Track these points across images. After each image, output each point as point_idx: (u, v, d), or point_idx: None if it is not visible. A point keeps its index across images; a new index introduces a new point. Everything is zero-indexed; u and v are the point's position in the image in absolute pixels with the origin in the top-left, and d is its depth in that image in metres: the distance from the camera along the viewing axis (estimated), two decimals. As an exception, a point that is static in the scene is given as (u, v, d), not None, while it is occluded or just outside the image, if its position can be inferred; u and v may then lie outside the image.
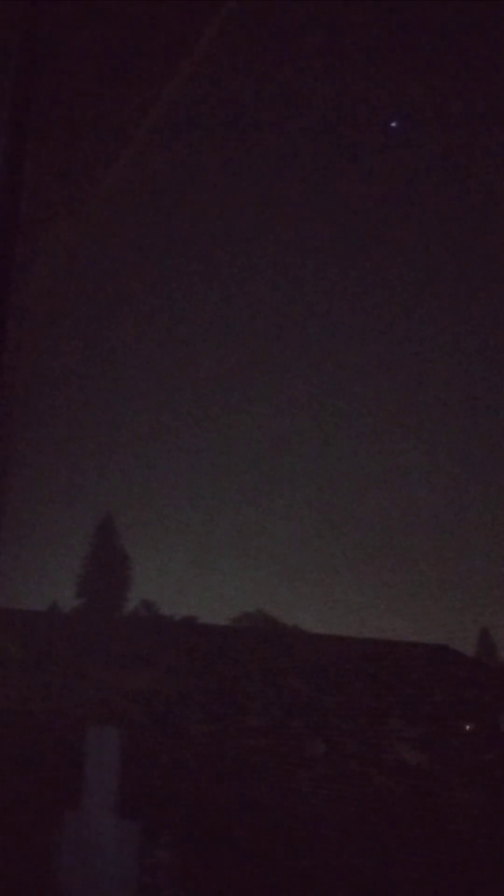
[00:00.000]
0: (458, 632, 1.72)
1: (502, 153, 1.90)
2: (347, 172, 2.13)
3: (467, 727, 1.62)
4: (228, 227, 2.30)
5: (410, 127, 2.13)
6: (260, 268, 2.26)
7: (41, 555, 2.50)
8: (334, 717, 1.81)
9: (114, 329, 2.60)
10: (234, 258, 2.31)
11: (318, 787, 1.75)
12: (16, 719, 2.32)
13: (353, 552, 1.96)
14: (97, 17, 2.41)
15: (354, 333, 2.02)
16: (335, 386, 2.11)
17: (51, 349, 2.62)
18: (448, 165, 1.99)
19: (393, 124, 2.22)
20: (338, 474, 2.06)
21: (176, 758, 2.00)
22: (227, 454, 2.25)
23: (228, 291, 2.35)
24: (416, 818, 1.61)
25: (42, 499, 2.50)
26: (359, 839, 1.67)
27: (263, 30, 2.30)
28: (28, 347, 2.41)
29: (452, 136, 1.99)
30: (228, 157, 2.34)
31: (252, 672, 2.06)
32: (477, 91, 1.95)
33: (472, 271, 1.90)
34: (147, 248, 2.47)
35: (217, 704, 2.06)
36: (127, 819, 2.04)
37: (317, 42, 2.26)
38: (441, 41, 2.03)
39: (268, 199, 2.24)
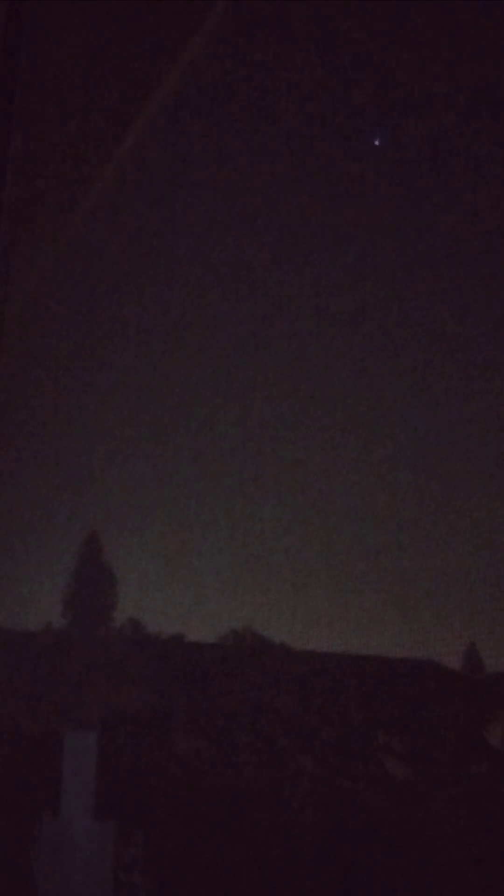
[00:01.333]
0: (444, 647, 1.72)
1: (490, 167, 1.90)
2: (341, 179, 2.14)
3: (455, 741, 1.62)
4: (221, 230, 2.31)
5: (394, 143, 2.15)
6: (248, 281, 2.27)
7: (25, 572, 2.49)
8: (322, 732, 1.80)
9: (98, 346, 2.60)
10: (227, 268, 2.31)
11: (305, 801, 1.74)
12: None
13: (341, 569, 1.96)
14: (89, 11, 2.42)
15: (349, 346, 2.03)
16: (322, 402, 2.11)
17: (33, 366, 2.62)
18: (435, 178, 2.00)
19: (376, 142, 2.23)
20: (326, 492, 2.06)
21: (160, 772, 2.00)
22: (215, 471, 2.25)
23: (216, 306, 2.35)
24: (404, 832, 1.61)
25: (26, 516, 2.50)
26: (346, 853, 1.66)
27: (254, 39, 2.32)
28: (10, 364, 2.41)
29: (438, 150, 2.00)
30: (220, 157, 2.35)
31: (239, 688, 2.05)
32: (465, 104, 1.96)
33: (458, 283, 1.90)
34: (135, 256, 2.48)
35: (204, 721, 2.06)
36: (102, 820, 2.05)
37: (306, 49, 2.27)
38: (429, 55, 2.04)
39: (261, 198, 2.25)
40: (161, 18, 2.41)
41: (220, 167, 2.39)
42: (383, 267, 2.05)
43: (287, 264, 2.22)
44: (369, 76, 2.17)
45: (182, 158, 2.45)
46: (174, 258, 2.40)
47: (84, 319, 2.63)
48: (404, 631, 1.80)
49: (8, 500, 2.49)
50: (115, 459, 2.46)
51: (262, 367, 2.23)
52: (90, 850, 2.04)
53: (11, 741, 2.28)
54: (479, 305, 1.87)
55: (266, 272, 2.25)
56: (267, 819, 1.76)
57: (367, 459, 2.01)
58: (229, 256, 2.33)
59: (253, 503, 2.15)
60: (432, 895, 1.49)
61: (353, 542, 1.99)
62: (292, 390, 2.17)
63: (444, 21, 2.00)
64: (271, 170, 2.29)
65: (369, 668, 1.79)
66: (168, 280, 2.41)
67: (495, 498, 1.82)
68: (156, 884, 1.89)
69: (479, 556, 1.80)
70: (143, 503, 2.35)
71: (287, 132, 2.27)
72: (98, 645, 2.39)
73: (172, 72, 2.42)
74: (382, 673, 1.76)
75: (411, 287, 1.98)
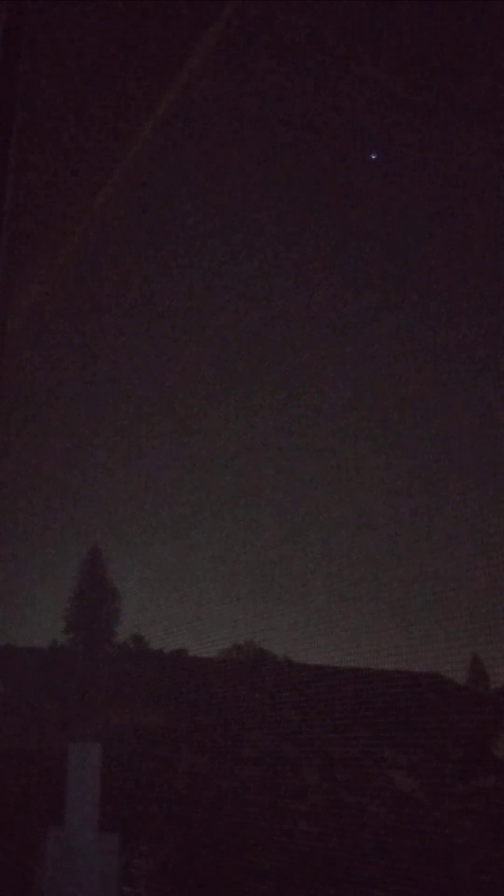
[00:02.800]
0: (448, 660, 1.72)
1: (489, 180, 1.91)
2: (339, 192, 2.14)
3: (460, 754, 1.62)
4: (219, 245, 2.32)
5: (391, 158, 2.15)
6: (247, 296, 2.27)
7: (28, 588, 2.49)
8: (327, 745, 1.80)
9: (98, 362, 2.61)
10: (226, 281, 2.32)
11: (311, 816, 1.74)
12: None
13: (343, 581, 1.96)
14: (88, 23, 2.43)
15: (346, 356, 2.03)
16: (318, 413, 2.11)
17: (33, 384, 2.62)
18: (432, 191, 2.01)
19: (373, 156, 2.24)
20: (326, 504, 2.07)
21: (166, 786, 1.99)
22: (214, 485, 2.25)
23: (215, 320, 2.36)
24: (410, 845, 1.61)
25: (28, 533, 2.50)
26: (351, 866, 1.66)
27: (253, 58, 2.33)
28: (10, 381, 2.42)
29: (433, 166, 2.01)
30: (217, 172, 2.36)
31: (243, 703, 2.05)
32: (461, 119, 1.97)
33: (458, 294, 1.91)
34: (136, 272, 2.49)
35: (207, 735, 2.05)
36: (107, 831, 2.05)
37: (302, 63, 2.28)
38: (426, 68, 2.05)
39: (258, 210, 2.25)
40: (158, 37, 2.42)
41: (216, 182, 2.40)
42: (382, 278, 2.05)
43: (285, 278, 2.22)
44: (365, 89, 2.18)
45: (180, 171, 2.46)
46: (173, 272, 2.41)
47: (85, 337, 2.63)
48: (406, 643, 1.80)
49: (10, 517, 2.49)
50: (116, 475, 2.46)
51: (259, 377, 2.24)
52: (95, 861, 2.04)
53: (16, 754, 2.28)
54: (478, 316, 1.87)
55: (264, 286, 2.26)
56: (272, 833, 1.75)
57: (366, 470, 2.01)
58: (227, 270, 2.34)
59: (252, 516, 2.16)
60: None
61: (354, 553, 2.00)
62: (289, 401, 2.18)
63: (443, 34, 2.01)
64: (268, 183, 2.30)
65: (372, 680, 1.79)
66: (169, 295, 2.42)
67: (496, 507, 1.82)
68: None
69: (480, 568, 1.80)
70: (142, 518, 2.35)
71: (283, 145, 2.28)
72: (101, 660, 2.39)
73: (170, 87, 2.44)
74: (385, 686, 1.76)
75: (409, 298, 1.99)
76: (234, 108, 2.37)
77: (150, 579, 2.29)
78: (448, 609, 1.79)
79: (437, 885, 1.53)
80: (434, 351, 1.90)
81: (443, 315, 1.91)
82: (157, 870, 1.85)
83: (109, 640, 2.40)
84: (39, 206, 2.48)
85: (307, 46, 2.26)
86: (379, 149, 2.20)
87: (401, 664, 1.77)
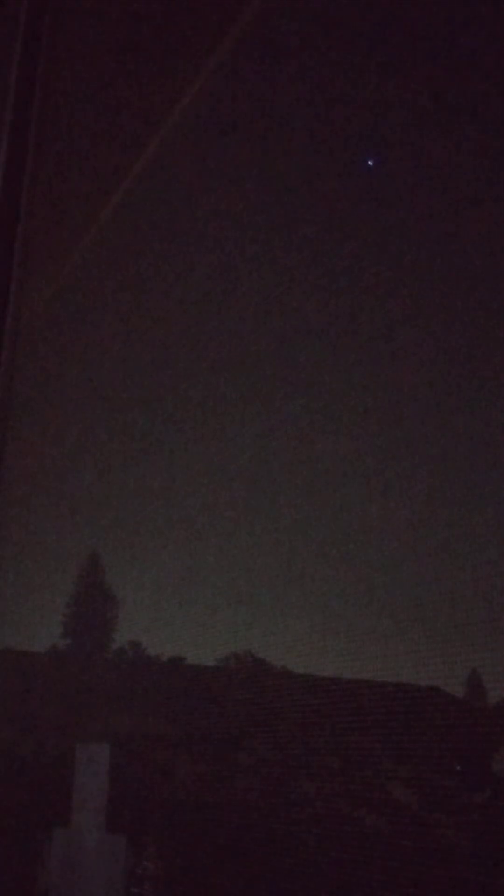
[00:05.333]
0: (447, 674, 1.73)
1: (482, 189, 1.92)
2: (339, 198, 2.15)
3: (459, 768, 1.63)
4: (221, 251, 2.32)
5: (387, 164, 2.16)
6: (251, 304, 2.28)
7: (28, 593, 2.49)
8: (325, 757, 1.81)
9: (98, 367, 2.61)
10: (228, 289, 2.33)
11: (309, 827, 1.76)
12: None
13: (345, 595, 1.97)
14: (100, 36, 2.44)
15: (349, 366, 2.04)
16: (330, 421, 2.12)
17: (34, 388, 2.62)
18: (432, 199, 2.02)
19: (370, 162, 2.24)
20: (328, 514, 2.07)
21: (165, 792, 2.00)
22: (216, 492, 2.26)
23: (219, 328, 2.37)
24: (408, 858, 1.62)
25: (28, 537, 2.50)
26: (349, 878, 1.67)
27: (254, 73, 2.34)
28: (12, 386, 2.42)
29: (431, 173, 2.01)
30: (218, 180, 2.36)
31: (240, 712, 2.06)
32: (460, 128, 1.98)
33: (461, 302, 1.92)
34: (136, 279, 2.49)
35: (206, 743, 2.06)
36: (115, 833, 2.05)
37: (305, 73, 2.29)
38: (425, 76, 2.06)
39: (260, 215, 2.26)
40: (165, 47, 2.44)
41: (218, 190, 2.41)
42: (384, 283, 2.06)
43: (287, 286, 2.23)
44: (365, 97, 2.19)
45: (184, 176, 2.46)
46: (176, 277, 2.42)
47: (85, 343, 2.64)
48: (405, 657, 1.81)
49: (10, 523, 2.49)
50: (117, 481, 2.47)
51: (262, 386, 2.24)
52: (102, 862, 2.04)
53: (13, 757, 2.28)
54: (481, 323, 1.88)
55: (265, 290, 2.26)
56: (271, 841, 1.77)
57: (369, 479, 2.02)
58: (229, 274, 2.34)
59: (255, 525, 2.17)
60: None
61: (356, 564, 2.00)
62: (293, 410, 2.19)
63: (443, 40, 2.02)
64: (269, 190, 2.30)
65: (371, 693, 1.80)
66: (172, 299, 2.42)
67: (497, 521, 1.82)
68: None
69: (482, 585, 1.81)
70: (143, 524, 2.36)
71: (284, 151, 2.29)
72: (99, 666, 2.40)
73: (178, 93, 2.45)
74: (384, 698, 1.78)
75: (412, 302, 2.00)
76: (234, 117, 2.38)
77: (148, 585, 2.30)
78: (448, 623, 1.80)
79: (433, 897, 1.54)
80: (437, 356, 1.90)
81: (452, 322, 1.92)
82: (166, 873, 1.86)
83: (106, 646, 2.41)
84: (54, 204, 2.49)
85: (306, 54, 2.27)
86: (376, 156, 2.21)
87: (401, 676, 1.78)
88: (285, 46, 2.31)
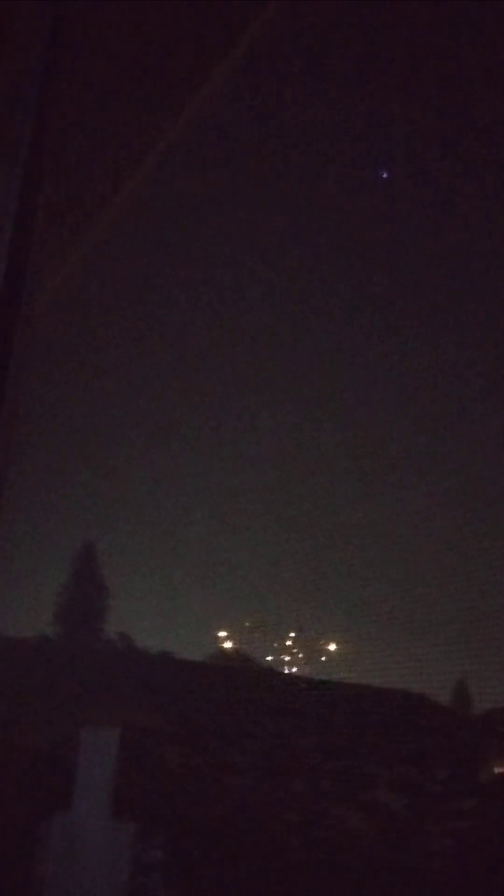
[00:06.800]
0: (437, 681, 1.75)
1: (491, 201, 1.93)
2: (349, 209, 2.16)
3: (444, 775, 1.66)
4: (229, 258, 2.33)
5: (400, 176, 2.17)
6: (252, 311, 2.29)
7: (22, 580, 2.50)
8: (311, 758, 1.84)
9: (95, 357, 2.62)
10: (232, 294, 2.34)
11: (296, 826, 1.78)
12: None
13: (335, 596, 1.99)
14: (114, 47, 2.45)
15: (350, 378, 2.05)
16: (316, 421, 2.13)
17: (30, 377, 2.63)
18: (440, 213, 2.03)
19: (384, 175, 2.25)
20: (322, 516, 2.09)
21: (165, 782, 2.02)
22: (214, 489, 2.27)
23: (220, 326, 2.37)
24: (389, 862, 1.65)
25: (21, 527, 2.51)
26: (330, 880, 1.70)
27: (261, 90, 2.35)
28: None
29: (443, 185, 2.02)
30: (228, 190, 2.37)
31: (227, 709, 2.08)
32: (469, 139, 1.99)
33: (466, 316, 1.93)
34: (140, 278, 2.50)
35: (193, 740, 2.08)
36: (121, 820, 2.04)
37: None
38: (434, 90, 2.07)
39: (268, 228, 2.27)
40: (173, 53, 2.45)
41: (227, 200, 2.42)
42: (389, 297, 2.07)
43: (292, 295, 2.24)
44: (377, 108, 2.20)
45: (189, 197, 2.48)
46: (177, 284, 2.43)
47: (82, 333, 2.65)
48: (396, 664, 1.83)
49: (5, 509, 2.50)
50: (115, 472, 2.48)
51: (262, 385, 2.25)
52: (106, 850, 2.04)
53: (9, 745, 2.30)
54: (484, 337, 1.89)
55: (270, 303, 2.27)
56: (260, 838, 1.79)
57: (358, 481, 2.03)
58: (233, 282, 2.36)
59: (249, 522, 2.18)
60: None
61: (346, 566, 2.02)
62: (289, 409, 2.19)
63: (453, 53, 2.03)
64: (279, 200, 2.31)
65: (361, 697, 1.82)
66: (173, 303, 2.44)
67: (488, 533, 1.84)
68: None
69: (469, 593, 1.83)
70: (140, 517, 2.38)
71: (295, 163, 2.30)
72: (87, 656, 2.41)
73: (187, 100, 2.46)
74: (375, 704, 1.80)
75: (417, 317, 2.01)
76: (244, 124, 2.39)
77: (143, 579, 2.32)
78: (438, 632, 1.82)
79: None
80: (446, 374, 1.91)
81: (455, 334, 1.93)
82: (175, 862, 1.88)
83: (96, 636, 2.43)
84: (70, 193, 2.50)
85: (316, 65, 2.28)
86: (389, 167, 2.22)
87: (390, 682, 1.80)
88: (296, 53, 2.32)
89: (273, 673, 2.03)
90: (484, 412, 1.85)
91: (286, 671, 2.01)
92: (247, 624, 2.12)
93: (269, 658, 2.06)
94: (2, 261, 2.09)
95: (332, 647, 1.94)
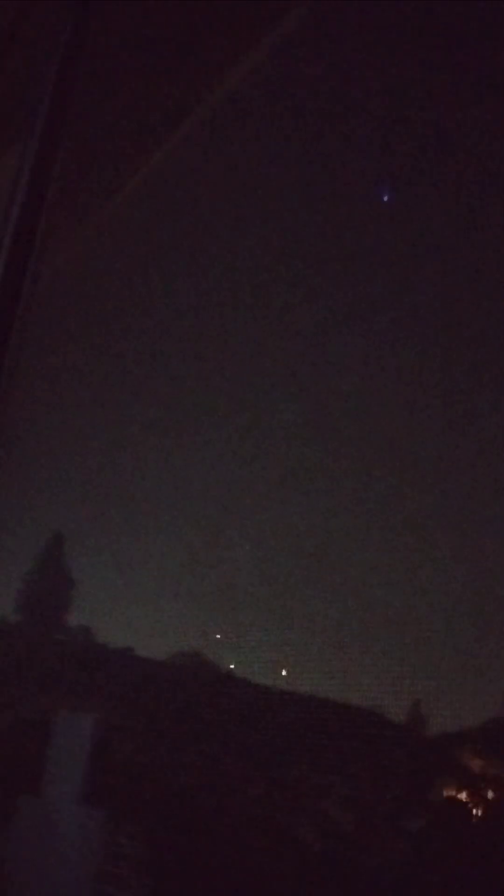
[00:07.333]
0: (392, 702, 1.76)
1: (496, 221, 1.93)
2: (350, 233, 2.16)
3: (395, 793, 1.67)
4: (229, 271, 2.33)
5: (402, 199, 2.18)
6: (250, 319, 2.29)
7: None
8: (264, 765, 1.85)
9: (72, 348, 2.61)
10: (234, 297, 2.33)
11: (247, 830, 1.79)
12: None
13: (295, 613, 1.99)
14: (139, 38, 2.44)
15: (353, 387, 2.05)
16: (307, 426, 2.12)
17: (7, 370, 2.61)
18: (442, 236, 2.03)
19: (385, 197, 2.26)
20: (290, 530, 2.09)
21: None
22: (189, 490, 2.27)
23: (216, 326, 2.37)
24: (332, 876, 1.66)
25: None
26: (274, 888, 1.71)
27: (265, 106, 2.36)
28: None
29: (445, 207, 2.03)
30: (232, 215, 2.37)
31: (183, 710, 2.09)
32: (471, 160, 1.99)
33: (466, 338, 1.92)
34: (138, 278, 2.50)
35: (145, 737, 2.09)
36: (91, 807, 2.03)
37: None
38: (436, 111, 2.08)
39: (271, 249, 2.27)
40: (188, 47, 2.45)
41: (230, 200, 2.42)
42: (391, 310, 2.06)
43: (295, 313, 2.23)
44: (379, 131, 2.20)
45: (195, 195, 2.47)
46: (177, 289, 2.43)
47: (59, 321, 2.64)
48: (351, 676, 1.84)
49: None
50: (89, 466, 2.47)
51: (257, 389, 2.24)
52: (75, 837, 2.02)
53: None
54: (487, 359, 1.88)
55: (270, 294, 2.26)
56: (201, 840, 1.80)
57: (326, 487, 2.03)
58: (233, 283, 2.35)
59: (222, 529, 2.18)
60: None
61: (309, 584, 2.02)
62: (282, 410, 2.18)
63: (457, 74, 2.03)
64: (280, 224, 2.30)
65: (320, 707, 1.83)
66: (174, 307, 2.43)
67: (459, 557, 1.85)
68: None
69: (429, 614, 1.83)
70: (111, 513, 2.37)
71: (297, 186, 2.30)
72: (46, 645, 2.41)
73: (186, 118, 2.48)
74: (333, 715, 1.81)
75: (420, 331, 2.00)
76: (248, 148, 2.39)
77: (108, 574, 2.31)
78: (393, 651, 1.83)
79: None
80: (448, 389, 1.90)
81: (458, 355, 1.92)
82: (147, 852, 1.87)
83: (58, 626, 2.43)
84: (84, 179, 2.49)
85: (324, 84, 2.29)
86: (391, 189, 2.23)
87: (346, 697, 1.81)
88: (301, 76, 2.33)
89: (231, 678, 2.04)
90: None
91: (244, 678, 2.02)
92: (208, 628, 2.12)
93: (228, 663, 2.07)
94: (7, 239, 2.09)
95: (292, 657, 1.94)
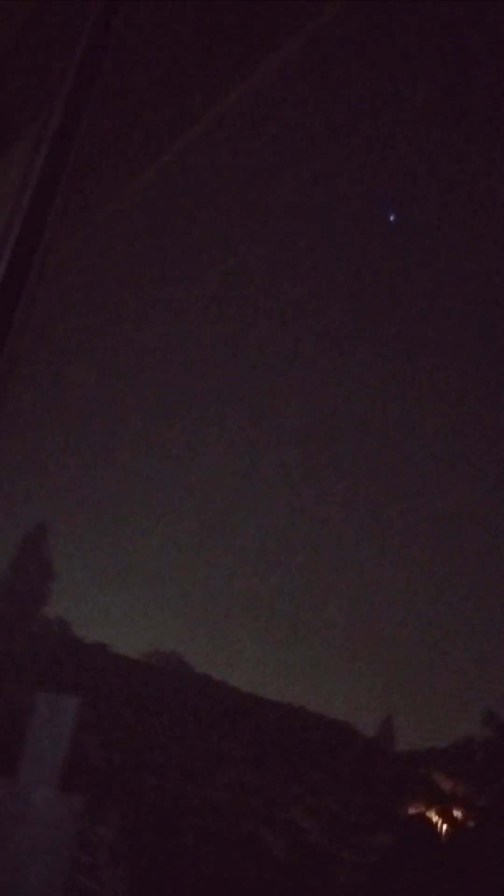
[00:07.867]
0: (365, 714, 1.77)
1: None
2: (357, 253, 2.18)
3: (361, 805, 1.68)
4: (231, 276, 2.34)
5: (409, 219, 2.19)
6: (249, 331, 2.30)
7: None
8: (233, 770, 1.86)
9: (60, 337, 2.62)
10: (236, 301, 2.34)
11: (212, 835, 1.80)
12: None
13: (279, 618, 2.00)
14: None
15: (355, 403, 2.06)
16: (300, 435, 2.13)
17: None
18: (448, 258, 2.04)
19: (391, 217, 2.28)
20: (275, 535, 2.10)
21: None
22: (173, 482, 2.27)
23: (213, 330, 2.38)
24: (294, 887, 1.67)
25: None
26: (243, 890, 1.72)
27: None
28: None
29: (452, 228, 2.04)
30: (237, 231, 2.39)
31: (154, 710, 2.09)
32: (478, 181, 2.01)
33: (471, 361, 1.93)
34: (136, 279, 2.51)
35: (114, 735, 2.09)
36: (67, 792, 2.03)
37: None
38: (442, 130, 2.10)
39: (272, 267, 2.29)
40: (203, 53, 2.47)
41: (236, 199, 2.43)
42: (394, 324, 2.07)
43: (292, 297, 2.23)
44: (384, 150, 2.22)
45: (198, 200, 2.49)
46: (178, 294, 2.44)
47: (59, 319, 2.64)
48: (324, 689, 1.85)
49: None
50: (72, 455, 2.48)
51: (257, 390, 2.24)
52: (48, 822, 2.02)
53: None
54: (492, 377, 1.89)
55: (271, 294, 2.27)
56: (167, 843, 1.80)
57: (313, 488, 2.04)
58: (234, 284, 2.36)
59: (208, 530, 2.18)
60: None
61: (292, 593, 2.03)
62: (282, 413, 2.18)
63: (463, 95, 2.05)
64: (283, 245, 2.32)
65: (294, 714, 1.84)
66: (173, 310, 2.44)
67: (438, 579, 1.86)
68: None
69: (402, 629, 1.85)
70: (96, 505, 2.38)
71: (300, 203, 2.32)
72: (20, 636, 2.41)
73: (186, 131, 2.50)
74: (306, 723, 1.82)
75: (423, 336, 2.01)
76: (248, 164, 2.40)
77: (89, 567, 2.32)
78: (368, 664, 1.85)
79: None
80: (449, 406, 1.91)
81: (463, 376, 1.93)
82: (121, 841, 1.88)
83: (34, 617, 2.43)
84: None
85: (330, 105, 2.31)
86: (398, 210, 2.25)
87: (326, 706, 1.82)
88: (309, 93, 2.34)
89: (206, 680, 2.05)
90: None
91: (220, 680, 2.03)
92: (188, 628, 2.13)
93: (203, 666, 2.08)
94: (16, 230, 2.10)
95: (270, 662, 1.95)
